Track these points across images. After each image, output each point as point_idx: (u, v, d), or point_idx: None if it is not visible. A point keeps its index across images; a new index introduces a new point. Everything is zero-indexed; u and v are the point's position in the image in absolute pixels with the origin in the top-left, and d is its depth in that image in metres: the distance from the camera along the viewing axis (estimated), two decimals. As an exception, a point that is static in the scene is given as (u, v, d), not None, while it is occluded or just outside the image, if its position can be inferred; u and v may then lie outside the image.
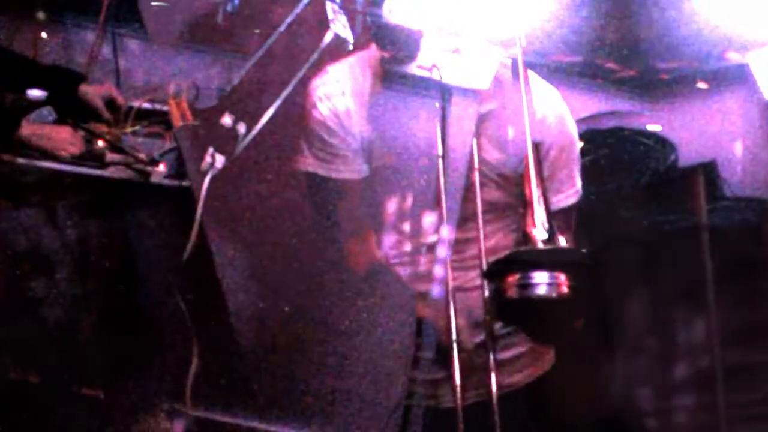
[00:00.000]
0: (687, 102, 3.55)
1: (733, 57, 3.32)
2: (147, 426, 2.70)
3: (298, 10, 2.59)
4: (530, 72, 2.43)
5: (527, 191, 2.18)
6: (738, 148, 3.44)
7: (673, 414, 3.27)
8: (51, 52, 3.32)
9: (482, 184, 2.38)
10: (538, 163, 2.21)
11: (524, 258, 2.15)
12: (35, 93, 2.84)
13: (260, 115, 2.51)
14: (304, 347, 2.58)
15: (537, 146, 2.25)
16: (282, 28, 2.62)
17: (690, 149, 3.42)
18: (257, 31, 2.88)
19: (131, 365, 2.76)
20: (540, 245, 2.13)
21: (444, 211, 2.31)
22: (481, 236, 2.28)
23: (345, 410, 2.49)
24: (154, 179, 2.71)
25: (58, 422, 2.69)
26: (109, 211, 2.84)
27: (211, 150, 2.46)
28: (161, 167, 2.72)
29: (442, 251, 2.33)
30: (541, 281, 2.13)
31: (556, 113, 2.51)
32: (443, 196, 2.30)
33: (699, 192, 3.29)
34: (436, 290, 2.37)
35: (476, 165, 2.36)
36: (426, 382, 2.48)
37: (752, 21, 3.12)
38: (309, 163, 2.47)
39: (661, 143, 3.43)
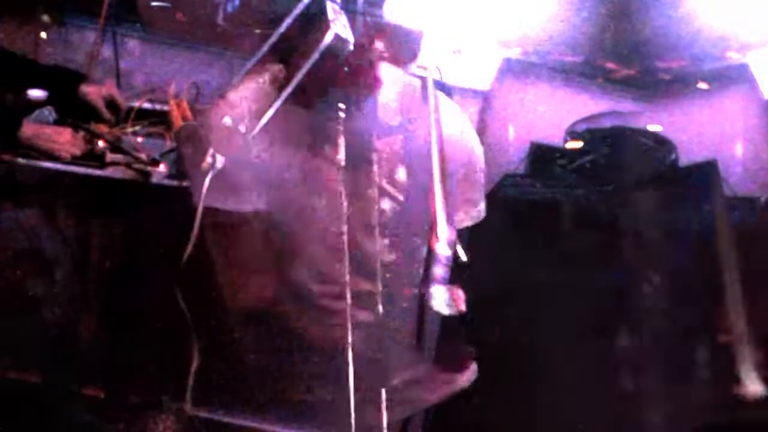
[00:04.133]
0: (687, 102, 3.55)
1: (733, 57, 3.31)
2: (147, 426, 2.70)
3: (298, 10, 2.59)
4: (438, 91, 2.43)
5: (431, 206, 2.21)
6: (738, 148, 3.44)
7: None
8: (51, 52, 3.32)
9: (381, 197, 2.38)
10: (444, 179, 2.23)
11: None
12: (36, 93, 2.84)
13: (260, 115, 2.51)
14: (303, 348, 2.58)
15: (443, 163, 2.27)
16: (282, 28, 2.61)
17: (690, 149, 3.41)
18: (257, 31, 2.88)
19: (131, 365, 2.77)
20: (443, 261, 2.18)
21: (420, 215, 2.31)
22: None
23: (345, 410, 2.49)
24: (154, 179, 2.71)
25: (58, 422, 2.69)
26: (109, 211, 2.84)
27: (211, 150, 2.45)
28: (161, 167, 2.72)
29: (443, 251, 2.33)
30: (439, 296, 2.18)
31: (462, 133, 2.50)
32: (440, 199, 2.30)
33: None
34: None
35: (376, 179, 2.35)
36: None
37: (752, 21, 3.12)
38: (199, 197, 2.42)
39: (661, 143, 3.43)
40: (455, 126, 2.47)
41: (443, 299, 2.21)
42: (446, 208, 2.22)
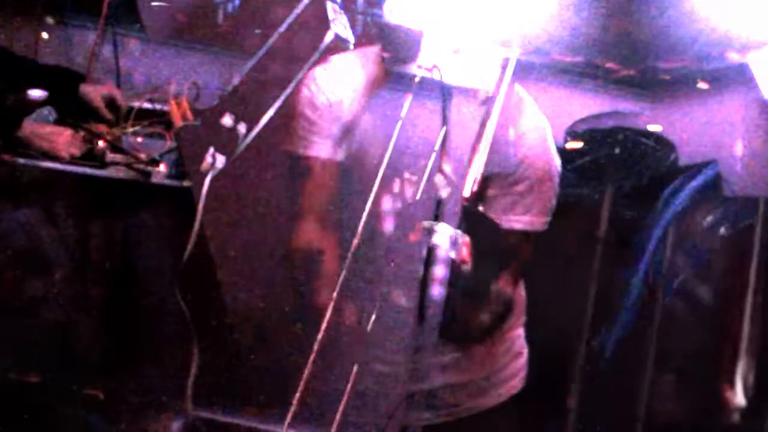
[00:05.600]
0: (687, 102, 3.54)
1: (734, 57, 3.31)
2: (147, 426, 2.70)
3: (298, 10, 2.59)
4: (526, 95, 2.43)
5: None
6: (738, 148, 3.43)
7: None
8: (51, 52, 3.32)
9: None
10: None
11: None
12: (36, 93, 2.84)
13: (260, 115, 2.51)
14: (303, 347, 2.58)
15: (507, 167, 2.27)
16: (282, 28, 2.62)
17: (690, 149, 3.41)
18: (257, 31, 2.88)
19: (131, 365, 2.77)
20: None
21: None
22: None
23: (345, 411, 2.49)
24: (154, 179, 2.72)
25: (58, 422, 2.69)
26: (109, 211, 2.84)
27: (211, 150, 2.46)
28: (162, 167, 2.72)
29: (443, 252, 2.33)
30: (444, 233, 2.17)
31: (539, 139, 2.47)
32: (444, 197, 2.30)
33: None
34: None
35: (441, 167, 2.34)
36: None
37: (752, 21, 3.11)
38: (288, 143, 2.46)
39: (661, 143, 3.43)
40: (532, 129, 2.44)
41: (448, 237, 2.20)
42: (481, 160, 2.21)
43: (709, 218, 3.24)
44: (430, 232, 2.21)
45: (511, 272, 2.44)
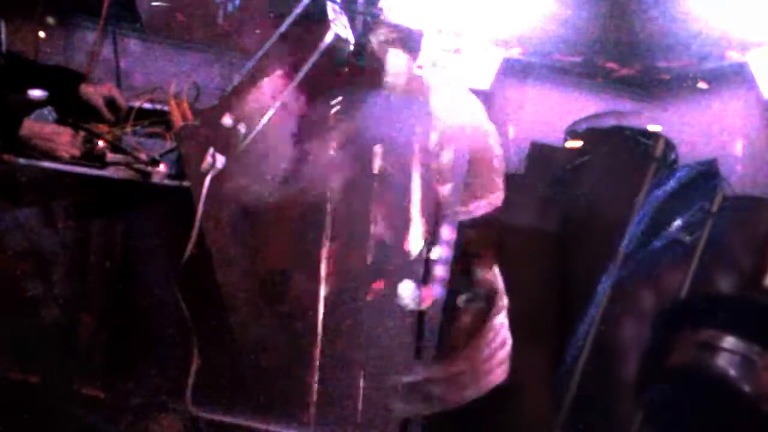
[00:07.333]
0: (687, 102, 3.55)
1: (733, 57, 3.31)
2: (147, 426, 2.70)
3: (298, 10, 2.60)
4: (450, 78, 2.44)
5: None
6: (738, 148, 3.44)
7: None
8: (52, 52, 3.33)
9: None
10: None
11: None
12: (36, 93, 2.84)
13: (260, 115, 2.52)
14: (303, 347, 2.58)
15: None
16: (282, 28, 2.62)
17: (690, 149, 3.42)
18: (257, 31, 2.88)
19: (131, 365, 2.77)
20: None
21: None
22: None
23: (345, 410, 2.49)
24: (154, 179, 2.71)
25: (58, 422, 2.69)
26: (109, 211, 2.84)
27: (211, 150, 2.46)
28: (162, 167, 2.72)
29: (444, 252, 2.33)
30: (406, 290, 2.23)
31: (474, 121, 2.49)
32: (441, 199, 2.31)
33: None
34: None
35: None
36: None
37: (752, 21, 3.12)
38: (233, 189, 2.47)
39: (661, 143, 3.43)
40: (466, 114, 2.47)
41: (410, 294, 2.26)
42: (448, 203, 2.23)
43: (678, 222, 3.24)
44: (393, 293, 2.29)
45: (486, 260, 2.47)
